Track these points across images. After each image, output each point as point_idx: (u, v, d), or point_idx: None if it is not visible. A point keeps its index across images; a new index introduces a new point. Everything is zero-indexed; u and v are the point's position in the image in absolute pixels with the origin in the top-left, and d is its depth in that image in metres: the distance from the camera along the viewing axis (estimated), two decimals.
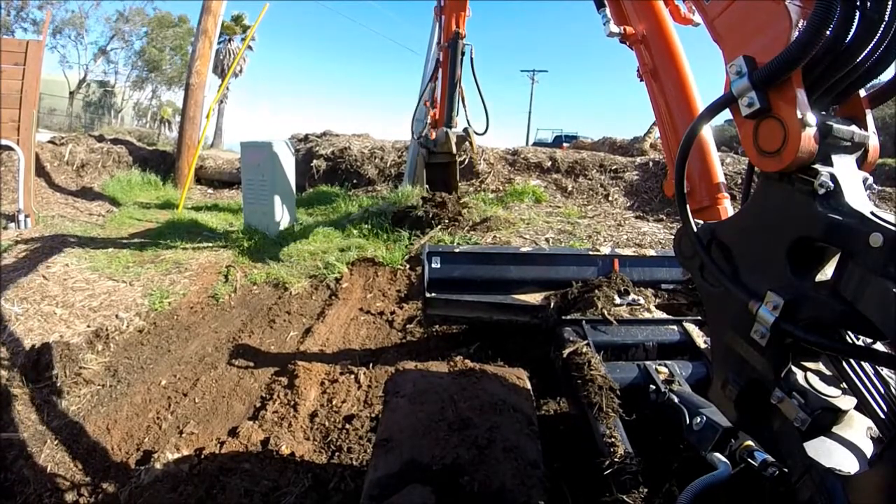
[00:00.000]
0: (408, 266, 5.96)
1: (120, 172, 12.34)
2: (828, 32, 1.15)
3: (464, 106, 6.74)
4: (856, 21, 1.18)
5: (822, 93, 1.30)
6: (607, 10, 3.20)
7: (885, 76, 1.30)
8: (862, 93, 1.35)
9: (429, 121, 7.40)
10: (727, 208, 2.72)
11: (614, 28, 3.15)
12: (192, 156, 11.70)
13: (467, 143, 6.86)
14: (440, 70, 6.94)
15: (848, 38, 1.20)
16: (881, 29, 1.19)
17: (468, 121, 6.80)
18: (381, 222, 7.64)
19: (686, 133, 1.52)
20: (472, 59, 6.57)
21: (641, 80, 3.17)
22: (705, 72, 3.55)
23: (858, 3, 1.16)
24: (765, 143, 1.29)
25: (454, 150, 6.71)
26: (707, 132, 2.87)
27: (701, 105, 2.82)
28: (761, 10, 1.35)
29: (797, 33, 1.24)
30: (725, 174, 9.16)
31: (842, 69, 1.26)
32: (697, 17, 3.01)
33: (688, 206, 1.57)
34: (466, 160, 10.49)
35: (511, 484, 1.74)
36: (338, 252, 6.46)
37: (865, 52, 1.23)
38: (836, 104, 1.36)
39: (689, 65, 3.02)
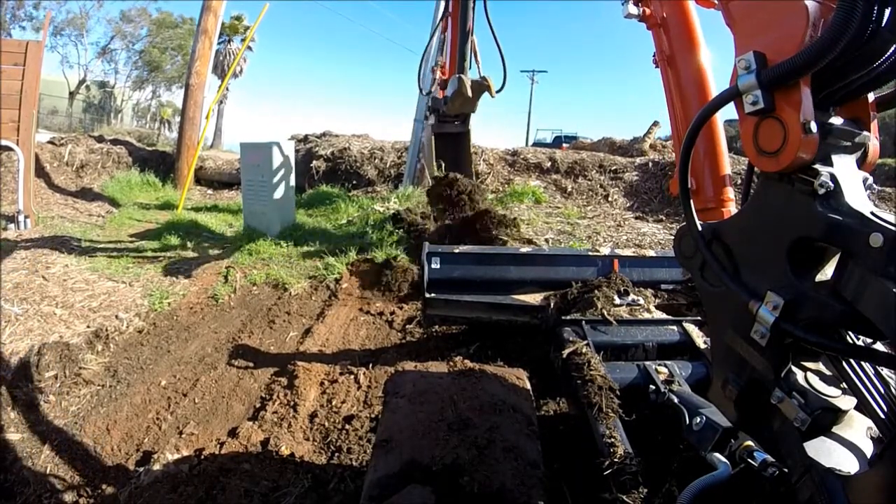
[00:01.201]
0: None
1: (119, 173, 12.33)
2: (842, 43, 1.14)
3: (476, 61, 5.85)
4: (870, 33, 1.17)
5: (826, 95, 1.30)
6: None
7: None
8: (870, 96, 1.35)
9: (437, 78, 6.54)
10: (732, 212, 2.69)
11: (633, 9, 3.05)
12: (191, 156, 11.70)
13: (486, 91, 5.68)
14: (449, 20, 6.20)
15: (860, 48, 1.19)
16: (893, 47, 1.18)
17: (481, 75, 5.82)
18: (381, 222, 7.65)
19: (690, 127, 1.51)
20: (485, 4, 5.73)
21: (657, 67, 3.09)
22: (723, 63, 3.50)
23: (874, 20, 1.15)
24: (764, 142, 1.29)
25: (469, 93, 5.57)
26: (719, 126, 2.83)
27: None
28: (779, 3, 1.34)
29: (810, 32, 1.23)
30: None
31: (851, 76, 1.26)
32: None
33: (692, 203, 1.56)
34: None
35: (511, 484, 1.74)
36: (337, 252, 6.46)
37: (877, 62, 1.22)
38: (840, 106, 1.36)
39: (709, 55, 2.92)
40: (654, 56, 3.11)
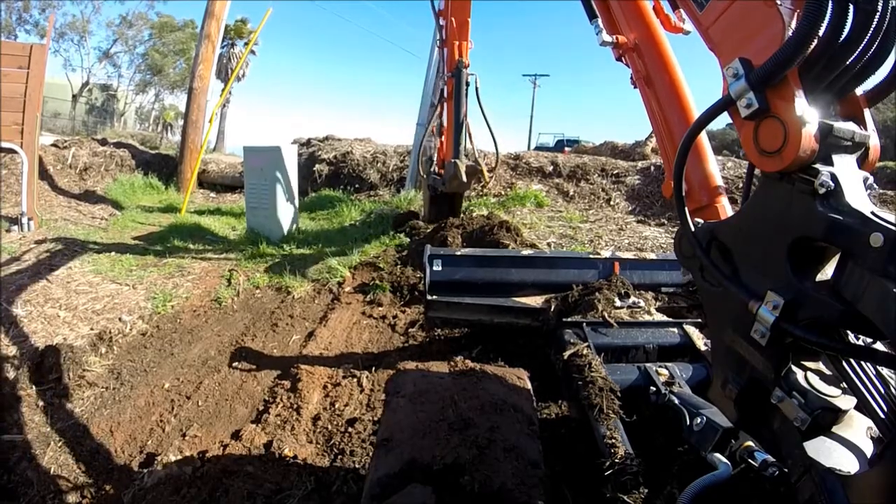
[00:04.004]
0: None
1: (123, 176, 12.36)
2: (822, 28, 1.16)
3: (470, 141, 6.47)
4: (850, 15, 1.18)
5: (820, 91, 1.31)
6: (599, 21, 3.25)
7: (882, 73, 1.31)
8: (859, 92, 1.36)
9: (435, 159, 7.16)
10: (725, 206, 2.73)
11: (607, 37, 3.20)
12: (194, 159, 11.75)
13: (479, 175, 6.44)
14: (444, 104, 6.72)
15: (843, 34, 1.20)
16: (875, 22, 1.19)
17: (475, 157, 6.50)
18: (384, 226, 7.66)
19: (684, 137, 1.53)
20: (476, 89, 6.36)
21: (635, 88, 3.19)
22: (697, 78, 3.56)
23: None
24: (765, 143, 1.30)
25: (464, 178, 6.19)
26: (703, 136, 2.89)
27: (695, 109, 2.85)
28: (755, 15, 1.36)
29: (790, 33, 1.24)
30: (727, 178, 9.20)
31: (839, 65, 1.27)
32: (688, 26, 3.07)
33: (686, 208, 1.58)
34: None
35: (511, 484, 1.74)
36: (340, 256, 6.47)
37: (861, 46, 1.23)
38: (835, 102, 1.37)
39: (682, 71, 3.04)
40: (631, 77, 3.21)
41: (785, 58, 1.21)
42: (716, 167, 2.86)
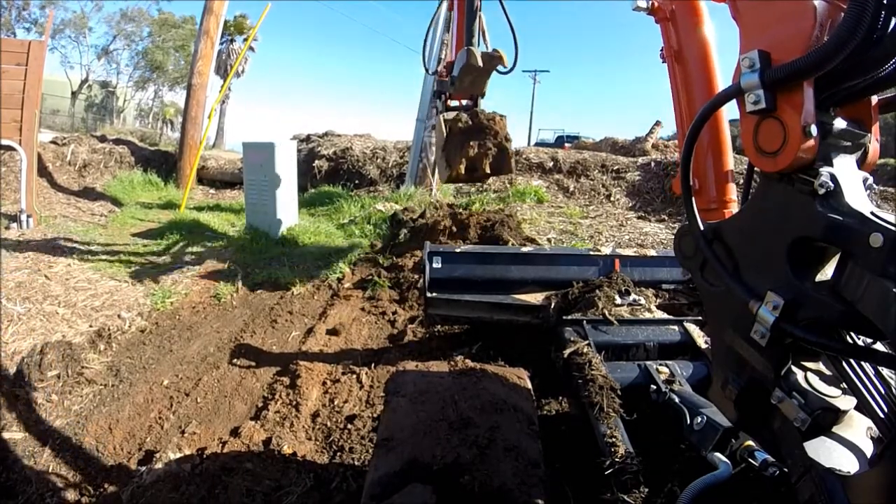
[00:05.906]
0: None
1: (122, 173, 12.37)
2: (848, 48, 1.13)
3: (485, 40, 5.12)
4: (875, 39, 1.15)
5: (828, 95, 1.29)
6: None
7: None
8: (873, 99, 1.34)
9: (443, 58, 6.42)
10: (734, 213, 2.69)
11: (642, 2, 3.03)
12: (194, 156, 11.73)
13: (499, 64, 4.73)
14: None
15: (864, 53, 1.18)
16: None
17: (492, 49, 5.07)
18: (383, 222, 7.65)
19: (692, 124, 1.49)
20: None
21: (664, 62, 3.05)
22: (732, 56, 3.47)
23: (881, 26, 1.14)
24: (764, 142, 1.28)
25: (480, 63, 4.61)
26: (724, 126, 2.80)
27: None
28: (787, 2, 1.32)
29: (817, 32, 1.21)
30: None
31: (853, 80, 1.25)
32: None
33: (694, 202, 1.55)
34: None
35: (512, 483, 1.74)
36: (339, 252, 6.47)
37: (880, 68, 1.21)
38: (841, 106, 1.35)
39: (718, 51, 2.88)
40: (661, 51, 3.08)
41: (805, 67, 1.17)
42: (731, 160, 2.79)
